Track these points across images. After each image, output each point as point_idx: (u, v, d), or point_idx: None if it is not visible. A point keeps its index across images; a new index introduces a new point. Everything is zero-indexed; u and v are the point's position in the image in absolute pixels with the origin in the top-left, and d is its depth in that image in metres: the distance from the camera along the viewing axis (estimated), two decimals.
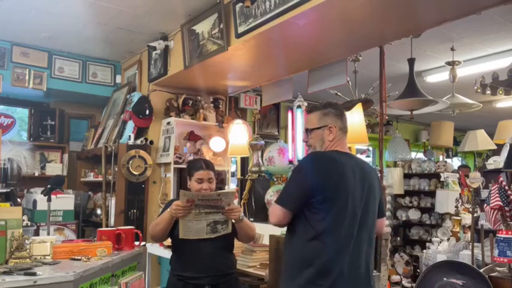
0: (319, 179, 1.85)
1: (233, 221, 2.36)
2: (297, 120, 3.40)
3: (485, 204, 2.55)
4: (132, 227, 2.73)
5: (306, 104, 3.43)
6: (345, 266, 1.83)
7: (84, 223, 4.79)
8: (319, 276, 1.81)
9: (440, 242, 4.44)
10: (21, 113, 5.37)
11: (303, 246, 1.87)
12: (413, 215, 6.62)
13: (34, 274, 1.80)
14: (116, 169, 4.22)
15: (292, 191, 1.93)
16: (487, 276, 2.34)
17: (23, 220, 3.76)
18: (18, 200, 4.29)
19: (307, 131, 2.08)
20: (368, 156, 8.50)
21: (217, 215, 2.29)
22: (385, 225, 2.19)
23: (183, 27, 3.92)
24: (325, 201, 1.83)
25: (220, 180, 4.59)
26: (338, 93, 4.37)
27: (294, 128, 3.41)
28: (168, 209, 2.30)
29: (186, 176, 2.54)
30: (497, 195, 2.46)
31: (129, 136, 4.34)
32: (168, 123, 4.52)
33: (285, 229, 2.79)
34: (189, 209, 2.21)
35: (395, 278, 4.97)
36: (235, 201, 3.79)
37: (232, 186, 4.88)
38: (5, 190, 4.00)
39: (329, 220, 1.82)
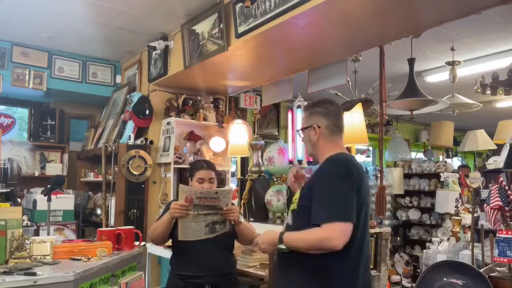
0: (358, 186, 1.75)
1: (232, 223, 2.37)
2: (297, 120, 3.40)
3: (485, 204, 2.55)
4: (132, 227, 2.73)
5: (306, 104, 3.43)
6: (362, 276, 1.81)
7: (84, 223, 4.79)
8: None
9: (440, 242, 4.44)
10: (21, 113, 5.37)
11: (329, 259, 1.72)
12: (413, 215, 6.62)
13: (34, 274, 1.80)
14: (116, 169, 4.22)
15: (347, 202, 1.71)
16: (487, 276, 2.34)
17: (23, 220, 3.76)
18: (18, 200, 4.29)
19: (298, 131, 2.05)
20: (368, 156, 8.50)
21: (216, 215, 2.29)
22: None
23: (183, 27, 3.92)
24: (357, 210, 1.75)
25: (221, 180, 4.59)
26: (338, 93, 4.37)
27: (294, 128, 3.41)
28: (167, 212, 2.31)
29: (186, 176, 2.55)
30: (497, 195, 2.46)
31: (129, 136, 4.34)
32: (168, 123, 4.52)
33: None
34: (187, 209, 2.22)
35: (395, 278, 4.98)
36: (235, 201, 3.79)
37: (232, 186, 4.88)
38: (5, 190, 4.00)
39: (357, 232, 1.73)
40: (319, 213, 1.71)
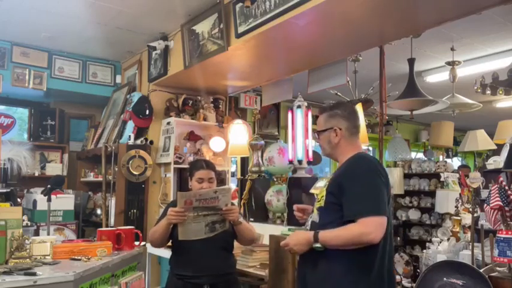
0: (386, 181, 1.85)
1: (232, 223, 2.36)
2: (297, 120, 3.39)
3: (485, 204, 2.54)
4: (132, 227, 2.73)
5: (306, 104, 3.43)
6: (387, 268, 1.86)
7: (84, 223, 4.79)
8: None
9: (440, 242, 4.43)
10: (21, 113, 5.37)
11: (359, 254, 1.77)
12: (413, 215, 6.61)
13: (34, 274, 1.80)
14: (116, 169, 4.22)
15: (380, 196, 1.79)
16: (487, 276, 2.34)
17: (23, 220, 3.76)
18: (18, 200, 4.29)
19: (316, 133, 2.07)
20: None
21: (216, 215, 2.29)
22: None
23: (183, 27, 3.92)
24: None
25: (221, 180, 4.59)
26: (338, 93, 4.38)
27: (294, 128, 3.41)
28: (164, 218, 2.31)
29: (186, 176, 2.55)
30: (497, 195, 2.45)
31: (129, 136, 4.34)
32: (168, 123, 4.52)
33: (285, 229, 2.79)
34: (183, 215, 2.22)
35: (396, 278, 4.96)
36: (235, 201, 3.79)
37: (232, 185, 4.88)
38: (5, 190, 4.00)
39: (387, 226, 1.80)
40: (354, 209, 1.76)
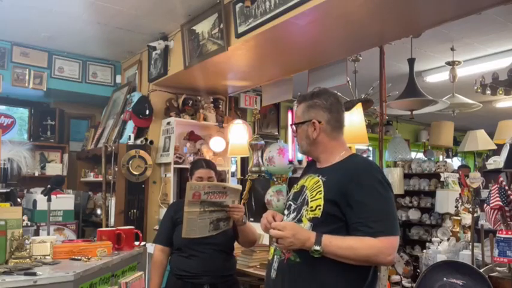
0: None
1: (236, 222, 2.36)
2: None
3: (485, 204, 2.55)
4: (132, 227, 2.72)
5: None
6: None
7: (84, 223, 4.79)
8: None
9: (440, 242, 4.43)
10: (21, 113, 5.37)
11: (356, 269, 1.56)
12: (413, 215, 6.61)
13: (34, 274, 1.80)
14: (116, 169, 4.22)
15: (396, 213, 1.59)
16: (487, 276, 2.34)
17: (23, 220, 3.76)
18: (18, 200, 4.29)
19: (293, 126, 1.79)
20: (368, 156, 8.50)
21: (221, 213, 2.28)
22: None
23: (183, 27, 3.92)
24: None
25: (220, 180, 4.59)
26: (338, 93, 4.37)
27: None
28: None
29: (186, 176, 2.56)
30: (497, 195, 2.45)
31: (129, 136, 4.34)
32: (168, 123, 4.52)
33: None
34: None
35: (396, 278, 4.96)
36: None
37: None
38: (5, 190, 4.00)
39: None
40: (376, 225, 1.51)
